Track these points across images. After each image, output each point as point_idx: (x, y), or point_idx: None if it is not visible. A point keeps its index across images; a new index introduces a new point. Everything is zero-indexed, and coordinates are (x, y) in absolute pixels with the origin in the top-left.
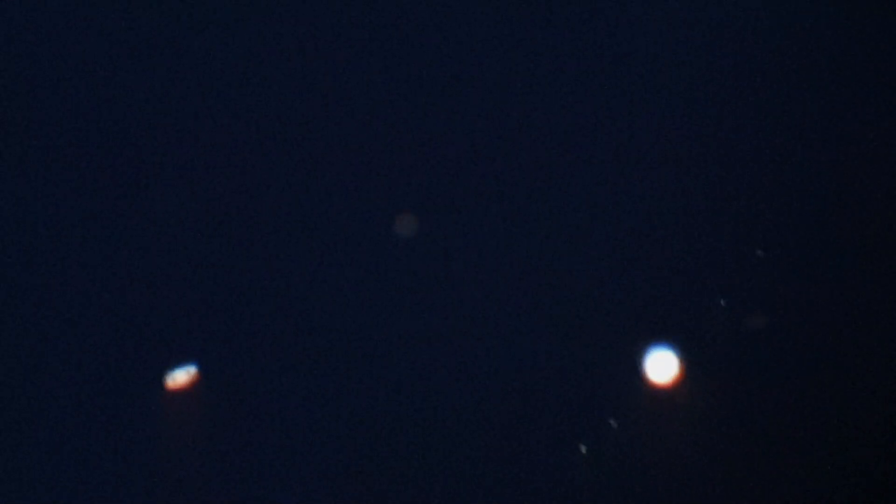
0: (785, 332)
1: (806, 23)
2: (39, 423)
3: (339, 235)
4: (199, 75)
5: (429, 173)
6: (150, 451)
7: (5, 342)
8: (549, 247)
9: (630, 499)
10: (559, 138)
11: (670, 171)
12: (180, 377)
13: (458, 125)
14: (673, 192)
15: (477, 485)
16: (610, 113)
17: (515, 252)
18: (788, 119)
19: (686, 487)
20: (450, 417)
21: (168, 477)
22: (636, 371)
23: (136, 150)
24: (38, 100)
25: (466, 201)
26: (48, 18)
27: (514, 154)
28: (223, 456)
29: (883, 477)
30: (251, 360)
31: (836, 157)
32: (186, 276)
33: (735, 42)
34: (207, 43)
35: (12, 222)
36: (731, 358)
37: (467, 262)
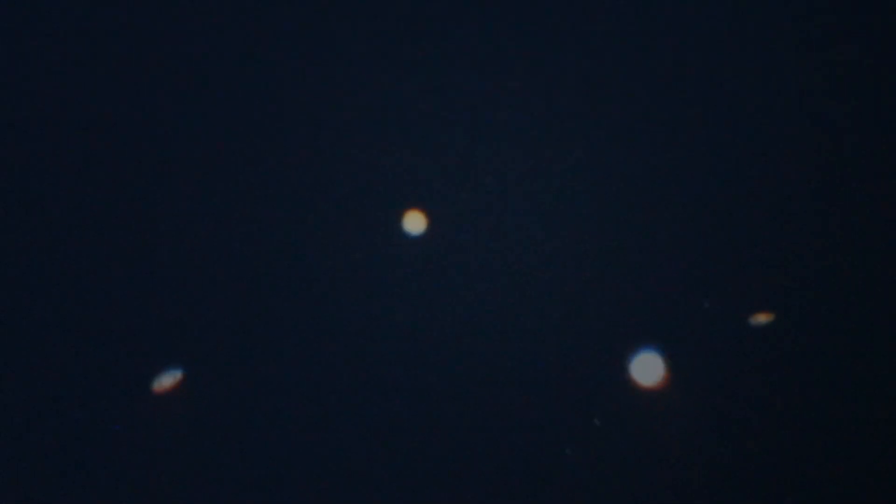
0: (774, 333)
1: (805, 22)
2: (25, 426)
3: (335, 233)
4: (184, 71)
5: (413, 170)
6: (138, 456)
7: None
8: (537, 245)
9: (618, 498)
10: (548, 135)
11: (661, 169)
12: (167, 381)
13: (450, 123)
14: (665, 191)
15: (469, 484)
16: (601, 109)
17: (502, 250)
18: (786, 115)
19: (674, 488)
20: (439, 417)
21: (155, 481)
22: (623, 372)
23: (125, 146)
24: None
25: (448, 199)
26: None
27: (499, 150)
28: (213, 461)
29: (883, 477)
30: (243, 364)
31: (833, 155)
32: (177, 275)
33: (719, 39)
34: (206, 40)
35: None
36: (718, 359)
37: (454, 259)
